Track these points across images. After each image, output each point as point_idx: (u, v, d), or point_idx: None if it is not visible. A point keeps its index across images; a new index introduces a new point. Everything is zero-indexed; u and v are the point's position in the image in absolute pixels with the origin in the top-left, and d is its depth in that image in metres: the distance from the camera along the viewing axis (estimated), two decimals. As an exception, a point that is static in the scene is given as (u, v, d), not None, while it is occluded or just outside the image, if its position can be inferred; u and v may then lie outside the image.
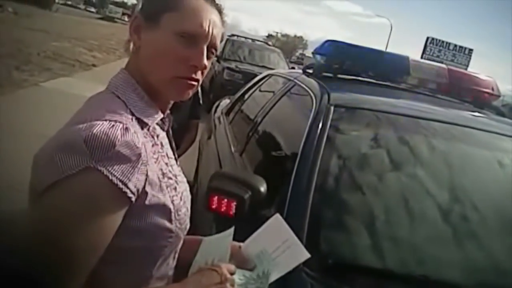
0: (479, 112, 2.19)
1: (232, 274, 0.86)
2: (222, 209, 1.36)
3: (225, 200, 1.36)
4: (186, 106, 2.70)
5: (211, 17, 0.85)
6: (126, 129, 0.74)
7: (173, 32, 0.82)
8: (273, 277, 0.91)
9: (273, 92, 2.76)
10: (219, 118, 3.48)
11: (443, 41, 19.76)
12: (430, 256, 1.28)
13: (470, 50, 19.90)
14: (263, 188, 1.38)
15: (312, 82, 2.17)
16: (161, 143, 0.88)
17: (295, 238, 0.93)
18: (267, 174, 1.49)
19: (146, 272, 0.85)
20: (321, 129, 1.60)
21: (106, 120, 0.73)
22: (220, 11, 0.89)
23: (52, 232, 0.68)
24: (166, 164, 0.87)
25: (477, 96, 2.41)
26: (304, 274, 1.14)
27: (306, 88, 2.11)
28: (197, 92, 2.73)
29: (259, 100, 2.92)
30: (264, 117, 2.40)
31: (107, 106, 0.79)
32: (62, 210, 0.68)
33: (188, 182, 0.99)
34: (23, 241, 0.69)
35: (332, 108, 1.72)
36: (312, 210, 1.30)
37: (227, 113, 3.37)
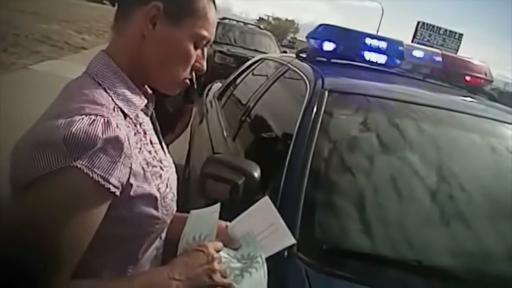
0: (471, 97, 2.20)
1: (218, 251, 0.87)
2: (216, 194, 1.35)
3: (219, 185, 1.35)
4: (181, 90, 2.67)
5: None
6: (108, 123, 0.72)
7: (192, 35, 0.84)
8: (258, 259, 0.91)
9: (266, 76, 2.74)
10: (211, 102, 3.45)
11: (433, 26, 19.75)
12: (424, 241, 1.29)
13: (460, 35, 19.94)
14: (257, 174, 1.38)
15: (306, 66, 2.15)
16: (144, 131, 0.86)
17: (282, 222, 0.93)
18: (260, 159, 1.48)
19: (133, 257, 0.86)
20: (315, 114, 1.59)
21: (86, 115, 0.71)
22: (215, 5, 0.90)
23: (34, 230, 0.67)
24: (150, 152, 0.85)
25: (469, 81, 2.41)
26: (299, 260, 1.14)
27: (300, 73, 2.09)
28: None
29: (251, 84, 2.90)
30: (257, 101, 2.39)
31: (87, 95, 0.76)
32: (44, 208, 0.68)
33: (176, 166, 0.98)
34: (5, 238, 0.68)
35: (326, 92, 1.71)
36: (307, 196, 1.30)
37: (219, 97, 3.34)
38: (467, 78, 2.43)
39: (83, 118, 0.70)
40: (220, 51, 8.80)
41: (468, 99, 2.16)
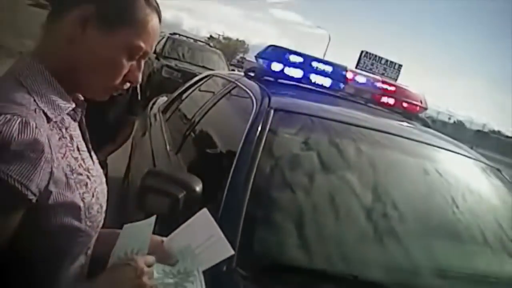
0: (408, 122, 2.32)
1: (150, 266, 0.81)
2: (155, 208, 1.31)
3: (159, 198, 1.31)
4: (124, 100, 2.60)
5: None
6: (25, 123, 0.66)
7: (126, 45, 0.79)
8: (194, 273, 0.88)
9: (213, 92, 2.74)
10: (155, 115, 3.39)
11: (375, 55, 20.74)
12: (359, 256, 1.34)
13: (400, 66, 21.07)
14: (198, 188, 1.36)
15: (254, 85, 2.17)
16: (71, 136, 0.81)
17: (221, 233, 0.91)
18: (203, 174, 1.47)
19: (52, 273, 0.79)
20: (260, 131, 1.60)
21: (1, 114, 0.65)
22: (160, 17, 0.85)
23: None
24: (76, 158, 0.80)
25: (406, 108, 2.55)
26: (237, 274, 1.13)
27: (247, 91, 2.11)
28: (136, 88, 2.63)
29: (198, 100, 2.88)
30: (202, 117, 2.37)
31: (5, 94, 0.70)
32: None
33: (108, 178, 0.93)
34: None
35: (272, 111, 1.73)
36: (247, 211, 1.29)
37: (164, 111, 3.29)
38: (404, 104, 2.56)
39: None
40: (168, 66, 8.72)
41: (405, 123, 2.27)
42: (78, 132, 0.86)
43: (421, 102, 2.60)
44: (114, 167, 2.99)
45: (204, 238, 0.90)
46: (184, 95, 3.31)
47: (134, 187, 2.46)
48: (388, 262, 1.36)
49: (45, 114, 0.74)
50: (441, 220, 1.62)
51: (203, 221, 0.92)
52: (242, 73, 2.65)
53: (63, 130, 0.79)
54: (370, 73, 2.93)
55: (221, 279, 1.09)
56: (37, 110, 0.72)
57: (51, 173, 0.70)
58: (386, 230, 1.45)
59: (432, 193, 1.73)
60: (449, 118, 41.27)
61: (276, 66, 2.34)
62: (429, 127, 2.46)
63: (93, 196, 0.81)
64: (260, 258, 1.21)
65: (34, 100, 0.73)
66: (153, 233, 0.90)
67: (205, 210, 0.93)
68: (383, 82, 2.52)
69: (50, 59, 0.78)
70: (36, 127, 0.67)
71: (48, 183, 0.70)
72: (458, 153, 2.00)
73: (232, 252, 0.92)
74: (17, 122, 0.66)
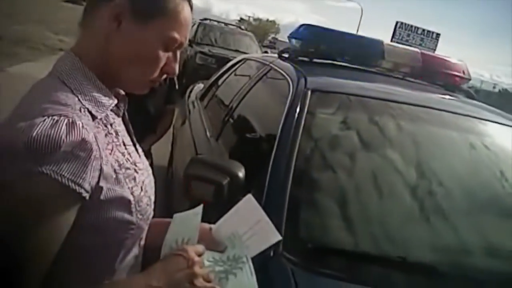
0: (450, 95, 2.24)
1: (200, 255, 0.83)
2: (200, 195, 1.34)
3: (203, 186, 1.34)
4: (162, 91, 2.65)
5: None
6: (72, 124, 0.68)
7: (161, 37, 0.80)
8: (243, 259, 0.89)
9: (248, 76, 2.74)
10: (193, 103, 3.43)
11: (411, 26, 20.02)
12: (406, 237, 1.32)
13: (438, 35, 20.27)
14: (241, 174, 1.38)
15: (288, 66, 2.16)
16: (116, 131, 0.82)
17: (267, 219, 0.91)
18: (244, 159, 1.48)
19: (109, 265, 0.82)
20: (298, 113, 1.60)
21: (48, 116, 0.67)
22: (191, 6, 0.85)
23: (0, 238, 0.64)
24: (123, 153, 0.81)
25: (448, 79, 2.46)
26: (284, 259, 1.14)
27: (283, 73, 2.10)
28: (173, 77, 2.67)
29: (234, 85, 2.89)
30: (240, 102, 2.38)
31: (50, 96, 0.72)
32: (8, 217, 0.64)
33: (154, 168, 0.95)
34: None
35: (309, 92, 1.72)
36: (291, 195, 1.30)
37: (201, 98, 3.33)
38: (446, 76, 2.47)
39: (45, 120, 0.66)
40: (201, 52, 8.75)
41: (447, 96, 2.19)
42: (123, 126, 0.88)
43: (463, 73, 2.50)
44: (158, 156, 3.07)
45: (251, 224, 0.91)
46: (220, 81, 3.33)
47: (178, 175, 2.52)
48: (436, 242, 1.32)
49: (90, 112, 0.76)
50: (490, 196, 1.57)
51: (249, 207, 0.93)
52: (276, 55, 2.64)
53: (108, 127, 0.81)
54: (406, 44, 2.83)
55: (269, 264, 1.11)
56: (82, 109, 0.74)
57: (101, 170, 0.72)
58: (433, 209, 1.42)
59: (479, 168, 1.68)
60: (494, 87, 39.33)
61: (310, 46, 2.31)
62: (473, 98, 2.37)
63: (141, 189, 0.83)
64: (306, 242, 1.22)
65: (79, 99, 0.75)
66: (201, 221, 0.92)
67: (249, 196, 0.93)
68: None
69: (89, 56, 0.79)
70: (83, 127, 0.69)
71: (99, 179, 0.72)
72: (505, 125, 1.92)
73: (280, 237, 0.92)
74: (64, 123, 0.67)
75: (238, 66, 3.26)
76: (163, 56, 0.81)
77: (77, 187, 0.67)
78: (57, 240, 0.69)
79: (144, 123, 2.30)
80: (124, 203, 0.78)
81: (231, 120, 2.32)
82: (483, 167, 1.68)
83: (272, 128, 1.63)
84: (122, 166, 0.79)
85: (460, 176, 1.62)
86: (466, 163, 1.70)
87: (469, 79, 2.55)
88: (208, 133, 2.41)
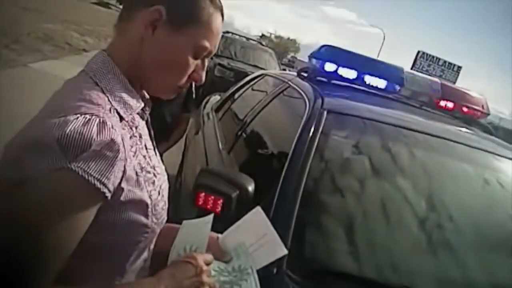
0: (467, 128, 2.22)
1: (208, 264, 0.84)
2: (209, 206, 1.34)
3: (212, 197, 1.34)
4: (180, 98, 2.67)
5: None
6: (103, 123, 0.70)
7: (192, 44, 0.82)
8: (248, 271, 0.89)
9: (265, 92, 2.75)
10: (208, 114, 3.45)
11: (433, 56, 20.02)
12: (411, 267, 1.30)
13: (459, 67, 20.22)
14: (251, 188, 1.38)
15: (306, 85, 2.17)
16: (140, 134, 0.85)
17: (274, 232, 0.92)
18: (254, 174, 1.48)
19: (120, 266, 0.83)
20: (312, 133, 1.60)
21: (81, 114, 0.69)
22: (223, 16, 0.87)
23: (21, 231, 0.64)
24: (144, 156, 0.83)
25: (467, 112, 2.44)
26: (287, 277, 1.13)
27: (300, 91, 2.11)
28: (191, 86, 2.70)
29: (250, 99, 2.91)
30: (255, 116, 2.39)
31: (83, 94, 0.74)
32: (32, 209, 0.65)
33: (168, 175, 0.97)
34: None
35: (325, 112, 1.72)
36: (299, 214, 1.29)
37: (217, 110, 3.35)
38: (464, 109, 2.46)
39: (77, 118, 0.68)
40: (220, 64, 8.81)
41: (464, 129, 2.17)
42: (146, 130, 0.90)
43: (483, 107, 2.48)
44: (167, 164, 3.08)
45: (258, 236, 0.91)
46: (237, 94, 3.35)
47: (187, 184, 2.53)
48: (441, 275, 1.30)
49: (118, 113, 0.78)
50: (501, 235, 1.54)
51: (257, 219, 0.93)
52: (295, 73, 2.65)
53: (134, 129, 0.83)
54: (426, 74, 2.83)
55: (271, 281, 1.10)
56: (111, 109, 0.76)
57: (124, 171, 0.74)
58: (441, 242, 1.40)
59: (492, 205, 1.65)
60: (513, 125, 38.71)
61: (330, 67, 2.32)
62: (491, 133, 2.34)
63: (159, 193, 0.85)
64: (310, 262, 1.21)
65: (109, 100, 0.77)
66: None
67: (258, 208, 0.94)
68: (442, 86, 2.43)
69: (121, 58, 0.81)
70: (112, 127, 0.71)
71: (121, 180, 0.73)
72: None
73: (286, 251, 0.93)
74: (96, 123, 0.69)
75: (256, 81, 3.28)
76: (192, 63, 0.84)
77: (101, 186, 0.69)
78: (75, 237, 0.70)
79: (158, 129, 2.31)
80: (142, 206, 0.79)
81: (244, 134, 2.32)
82: (495, 204, 1.66)
83: (285, 146, 1.62)
84: (143, 169, 0.81)
85: (471, 211, 1.59)
86: (479, 199, 1.67)
87: (488, 114, 2.53)
88: (220, 145, 2.42)
